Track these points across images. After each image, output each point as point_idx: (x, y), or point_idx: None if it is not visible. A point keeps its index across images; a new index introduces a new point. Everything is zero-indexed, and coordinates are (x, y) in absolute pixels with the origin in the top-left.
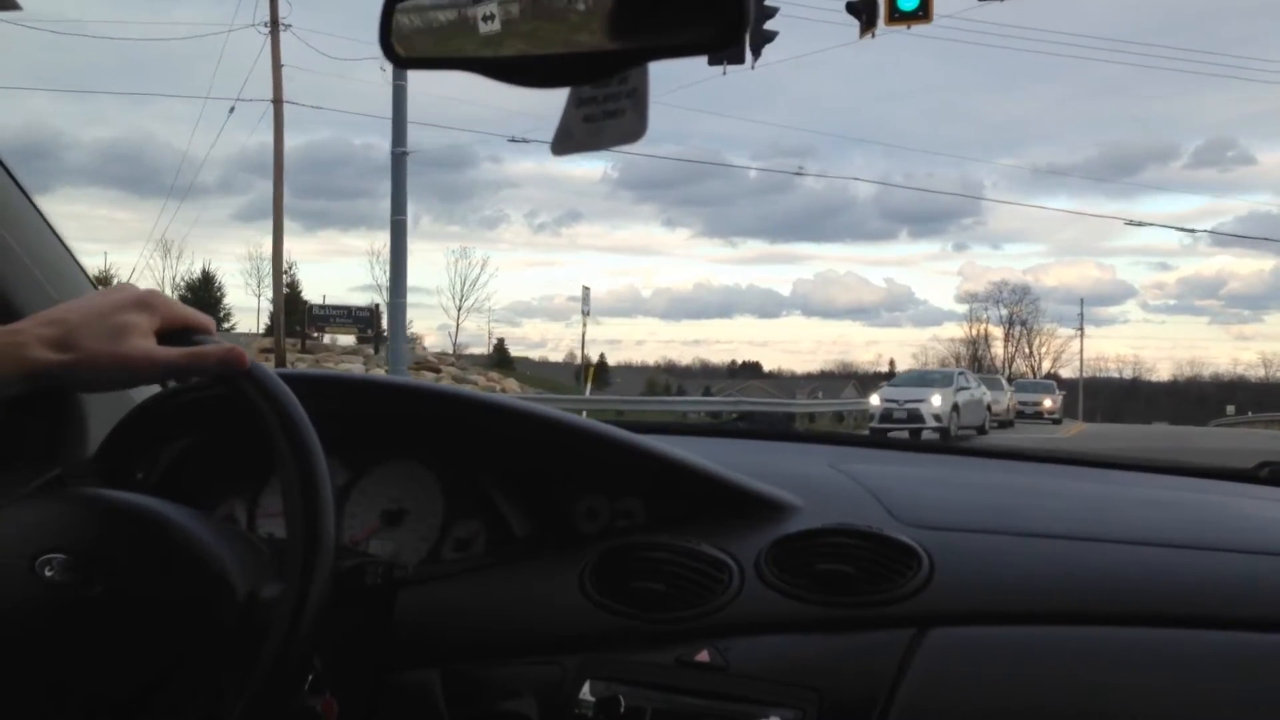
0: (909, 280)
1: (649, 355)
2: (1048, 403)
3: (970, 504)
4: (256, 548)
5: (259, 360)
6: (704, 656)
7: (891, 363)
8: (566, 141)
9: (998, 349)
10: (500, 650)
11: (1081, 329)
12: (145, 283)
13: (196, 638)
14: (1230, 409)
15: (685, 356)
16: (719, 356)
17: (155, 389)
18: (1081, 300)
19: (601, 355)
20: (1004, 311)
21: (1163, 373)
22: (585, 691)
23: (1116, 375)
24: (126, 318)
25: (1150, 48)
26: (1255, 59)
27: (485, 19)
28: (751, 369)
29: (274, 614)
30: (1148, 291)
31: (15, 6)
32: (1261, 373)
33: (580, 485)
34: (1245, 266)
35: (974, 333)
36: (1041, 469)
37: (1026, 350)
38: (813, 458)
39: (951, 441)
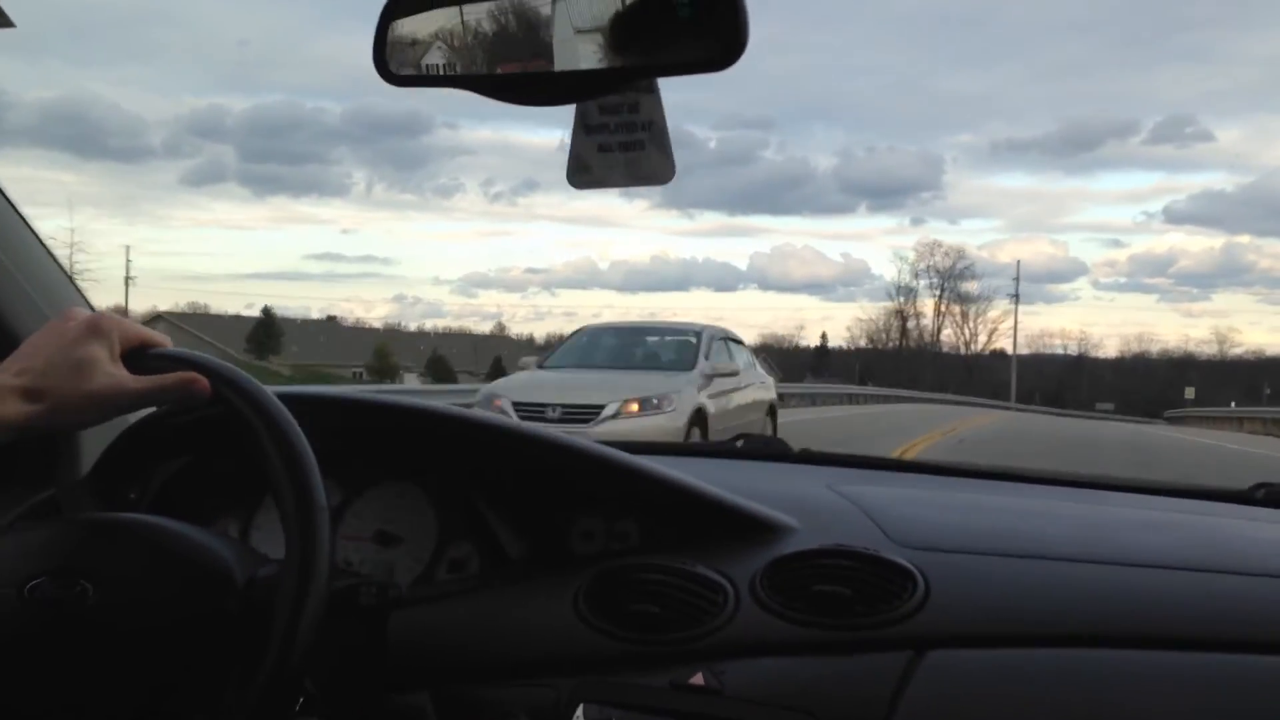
0: (865, 254)
1: None
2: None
3: (967, 526)
4: (251, 549)
5: None
6: (698, 679)
7: (824, 336)
8: (583, 174)
9: (931, 323)
10: (494, 672)
11: (1017, 296)
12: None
13: (201, 630)
14: (1190, 391)
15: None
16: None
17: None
18: (1018, 263)
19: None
20: (932, 279)
21: (1110, 349)
22: (579, 714)
23: (1062, 351)
24: (86, 350)
25: (1112, 24)
26: (1216, 38)
27: (480, 38)
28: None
29: (274, 595)
30: (1099, 269)
31: (9, 24)
32: (1213, 349)
33: (575, 506)
34: (1196, 244)
35: (901, 301)
36: (1038, 490)
37: (959, 320)
38: (809, 479)
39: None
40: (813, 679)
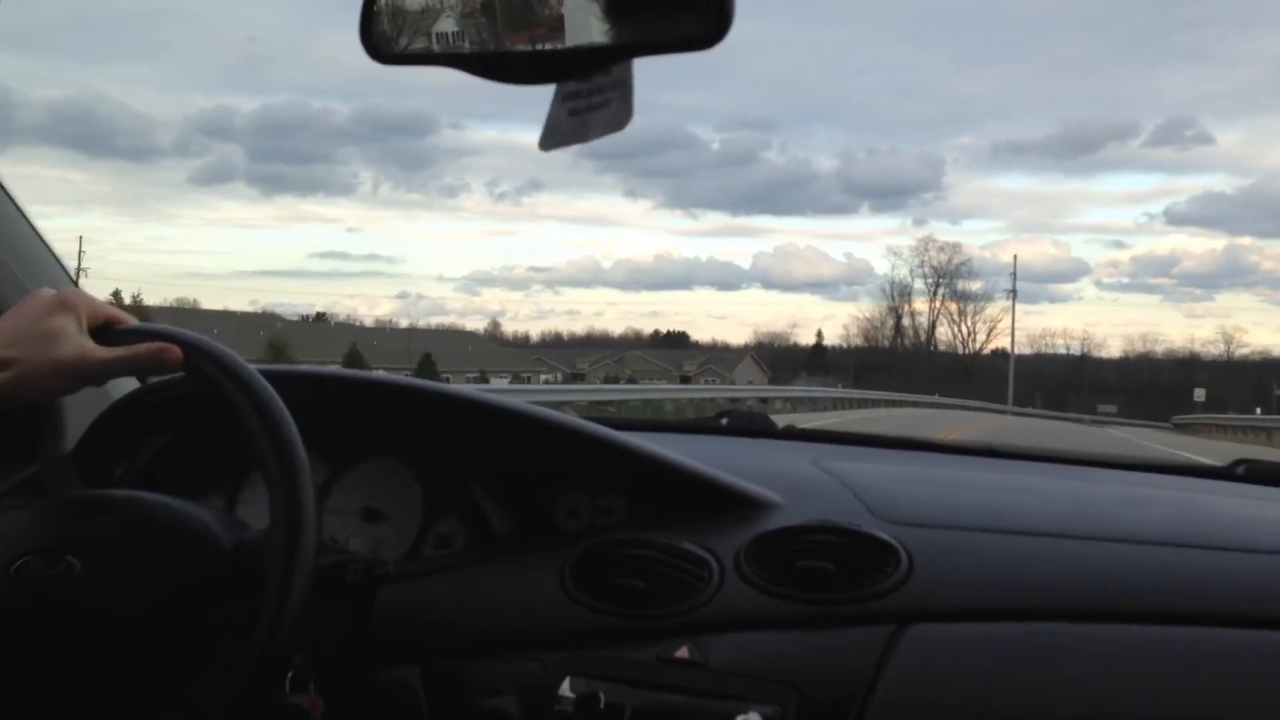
0: (868, 254)
1: (609, 326)
2: None
3: (950, 501)
4: (235, 516)
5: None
6: (684, 653)
7: (819, 334)
8: (554, 136)
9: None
10: (481, 647)
11: (1014, 291)
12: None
13: (191, 600)
14: (1200, 393)
15: (647, 328)
16: (684, 327)
17: (132, 384)
18: (1015, 256)
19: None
20: (926, 273)
21: (1113, 349)
22: (565, 688)
23: (1064, 351)
24: (53, 322)
25: (1113, 25)
26: (1216, 39)
27: (467, 15)
28: (676, 339)
29: (265, 552)
30: (1102, 269)
31: None
32: (1220, 349)
33: (561, 482)
34: (1199, 245)
35: (895, 298)
36: (1022, 466)
37: (955, 317)
38: (794, 455)
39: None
40: (796, 653)
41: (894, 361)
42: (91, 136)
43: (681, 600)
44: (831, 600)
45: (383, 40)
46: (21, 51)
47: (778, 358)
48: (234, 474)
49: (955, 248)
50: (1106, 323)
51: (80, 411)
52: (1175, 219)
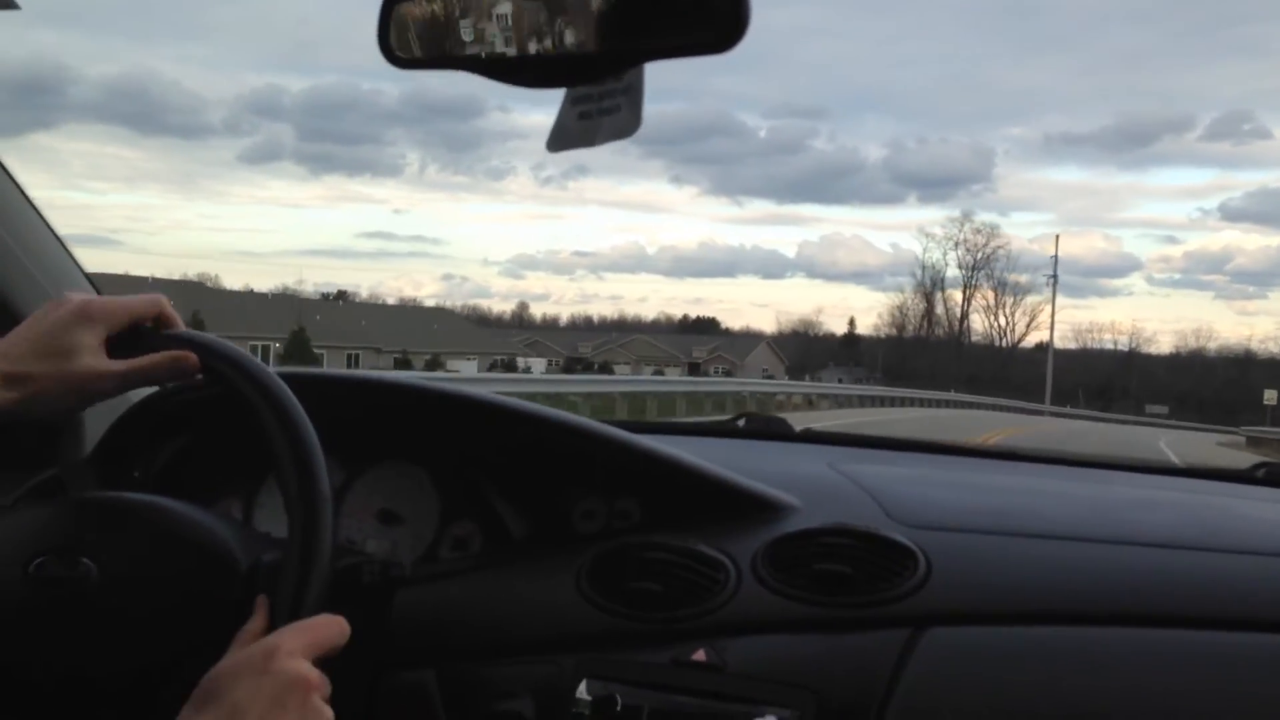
0: (915, 246)
1: (649, 311)
2: None
3: (967, 505)
4: (255, 532)
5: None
6: (700, 656)
7: (851, 322)
8: (562, 139)
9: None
10: (497, 650)
11: (1055, 277)
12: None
13: (202, 614)
14: (1272, 395)
15: (693, 314)
16: (722, 315)
17: (151, 387)
18: (1056, 237)
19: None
20: (960, 252)
21: (1164, 344)
22: (582, 691)
23: (1112, 346)
24: (71, 338)
25: (1169, 17)
26: (1275, 32)
27: (484, 19)
28: (706, 324)
29: (277, 581)
30: (1153, 264)
31: (14, 6)
32: (1278, 347)
33: (577, 485)
34: (1252, 242)
35: (927, 284)
36: (1040, 470)
37: (991, 304)
38: (811, 458)
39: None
40: (813, 656)
41: (925, 353)
42: (144, 114)
43: (698, 603)
44: (848, 604)
45: (400, 45)
46: (77, 29)
47: (809, 347)
48: (252, 477)
49: (993, 230)
50: (1156, 319)
51: (100, 413)
52: (1230, 215)
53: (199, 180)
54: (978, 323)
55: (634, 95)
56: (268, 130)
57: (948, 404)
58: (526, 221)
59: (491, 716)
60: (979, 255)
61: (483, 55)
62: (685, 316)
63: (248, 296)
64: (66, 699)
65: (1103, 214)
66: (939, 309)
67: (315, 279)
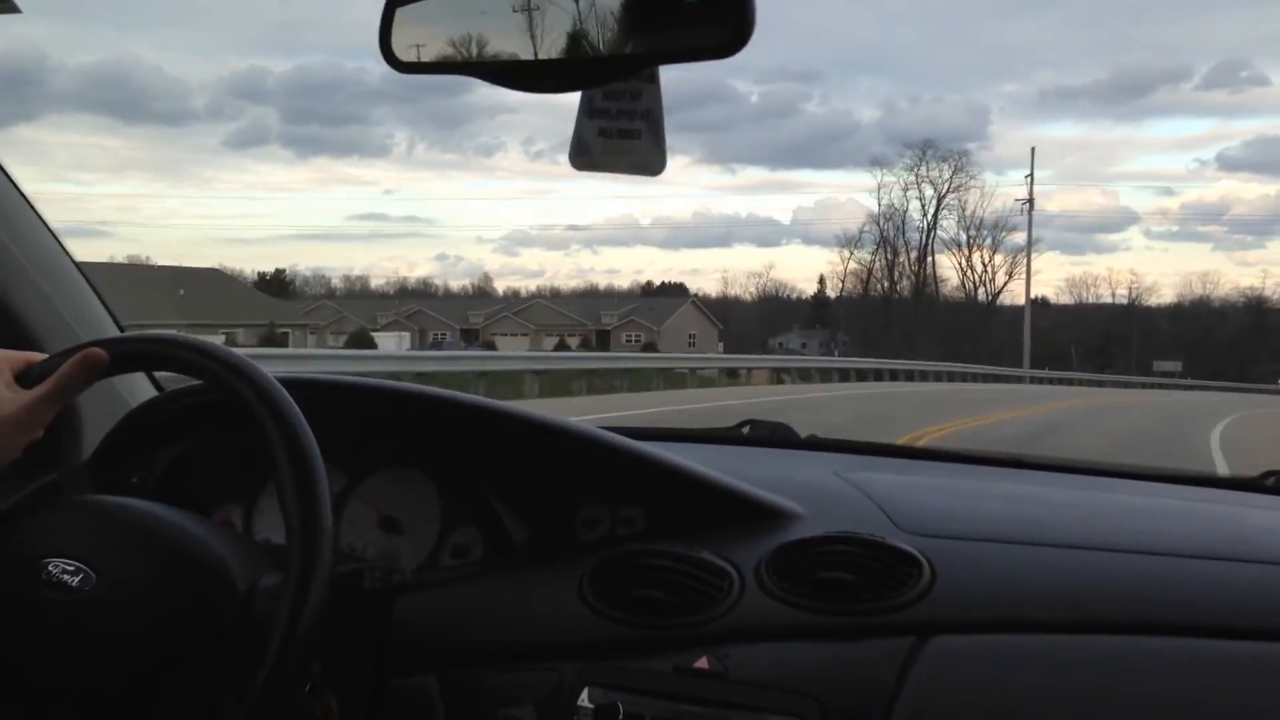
0: (912, 207)
1: (621, 282)
2: None
3: (973, 512)
4: (254, 546)
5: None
6: (703, 664)
7: (821, 281)
8: (584, 156)
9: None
10: (499, 657)
11: (1030, 201)
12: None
13: (197, 633)
14: None
15: (691, 285)
16: (712, 286)
17: (151, 391)
18: (1032, 150)
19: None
20: (921, 188)
21: (1166, 295)
22: (584, 698)
23: (1109, 300)
24: None
25: None
26: None
27: (485, 25)
28: (674, 290)
29: (274, 605)
30: (1150, 218)
31: (14, 9)
32: None
33: (580, 493)
34: (1250, 191)
35: (883, 229)
36: (1045, 478)
37: (963, 248)
38: (815, 465)
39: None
40: (817, 664)
41: (891, 313)
42: (127, 101)
43: (701, 611)
44: (853, 611)
45: (402, 50)
46: (57, 18)
47: (778, 311)
48: (252, 483)
49: (963, 155)
50: (1155, 272)
51: (97, 419)
52: (1227, 164)
53: (186, 167)
54: (954, 275)
55: (654, 125)
56: (252, 114)
57: (914, 375)
58: (519, 197)
59: None
60: (943, 188)
61: (484, 60)
62: (649, 284)
63: None
64: (60, 703)
65: (1100, 168)
66: (901, 257)
67: (309, 263)
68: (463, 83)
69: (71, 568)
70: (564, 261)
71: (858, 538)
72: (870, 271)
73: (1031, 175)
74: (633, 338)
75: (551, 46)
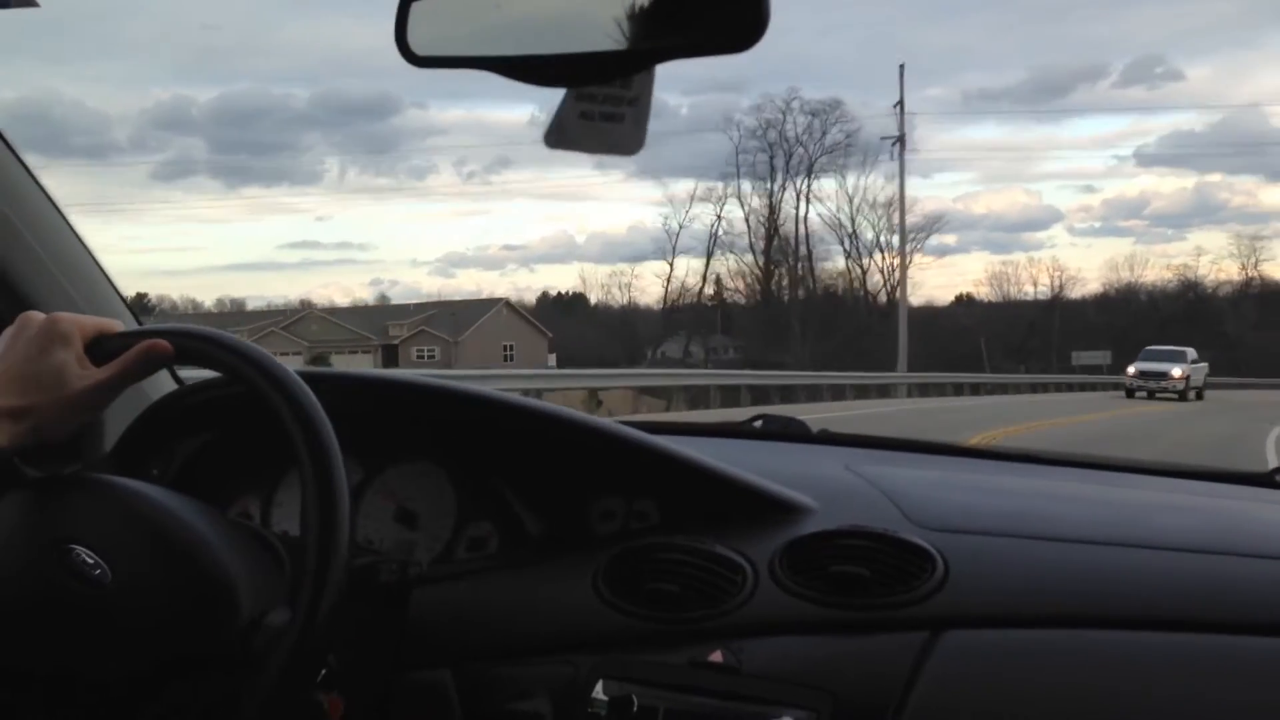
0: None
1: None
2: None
3: (986, 507)
4: (270, 558)
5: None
6: (717, 657)
7: (718, 282)
8: (560, 135)
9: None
10: (513, 650)
11: (901, 138)
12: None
13: (193, 652)
14: None
15: (615, 300)
16: (647, 299)
17: (171, 384)
18: (901, 67)
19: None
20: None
21: (1093, 286)
22: (598, 691)
23: (1031, 296)
24: (55, 357)
25: None
26: None
27: (500, 19)
28: (569, 302)
29: (276, 645)
30: (1074, 215)
31: (33, 4)
32: (1232, 273)
33: (595, 486)
34: (1168, 185)
35: (718, 210)
36: (1058, 472)
37: (837, 222)
38: (828, 459)
39: (966, 444)
40: (830, 658)
41: (768, 320)
42: (49, 137)
43: (715, 604)
44: (866, 606)
45: (418, 43)
46: None
47: (684, 316)
48: (270, 476)
49: (834, 104)
50: (1081, 268)
51: (119, 410)
52: (1145, 160)
53: (114, 202)
54: (842, 264)
55: (640, 110)
56: (179, 145)
57: (771, 383)
58: (453, 219)
59: (508, 716)
60: (814, 150)
61: (502, 55)
62: (545, 294)
63: None
64: (60, 695)
65: (1023, 169)
66: (776, 242)
67: (239, 295)
68: (391, 105)
69: (91, 560)
70: (500, 281)
71: (871, 532)
72: (761, 268)
73: (901, 103)
74: (424, 353)
75: (569, 40)
